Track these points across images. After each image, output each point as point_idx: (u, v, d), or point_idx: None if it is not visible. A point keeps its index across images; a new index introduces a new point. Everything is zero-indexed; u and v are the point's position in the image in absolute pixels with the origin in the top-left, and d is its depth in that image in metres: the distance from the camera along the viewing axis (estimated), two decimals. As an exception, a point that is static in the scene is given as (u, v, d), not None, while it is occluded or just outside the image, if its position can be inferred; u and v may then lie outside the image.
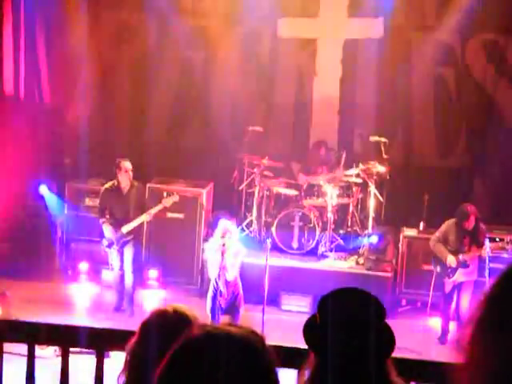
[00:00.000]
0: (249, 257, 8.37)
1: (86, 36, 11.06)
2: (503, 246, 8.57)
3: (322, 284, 8.52)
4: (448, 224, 8.56)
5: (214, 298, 7.62)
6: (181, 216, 10.10)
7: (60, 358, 4.11)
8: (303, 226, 10.06)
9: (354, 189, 10.38)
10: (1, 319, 6.84)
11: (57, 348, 6.41)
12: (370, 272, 9.63)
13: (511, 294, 1.27)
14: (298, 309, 9.33)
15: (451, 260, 8.42)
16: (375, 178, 10.15)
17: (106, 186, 9.25)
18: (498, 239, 8.74)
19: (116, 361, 3.19)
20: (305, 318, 2.55)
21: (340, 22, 11.02)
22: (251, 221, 10.37)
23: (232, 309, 7.69)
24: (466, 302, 8.36)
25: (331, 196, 10.05)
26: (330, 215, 10.08)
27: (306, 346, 2.42)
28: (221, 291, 7.60)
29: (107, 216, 9.05)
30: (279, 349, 1.75)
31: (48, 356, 6.52)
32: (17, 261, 9.86)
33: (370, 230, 10.16)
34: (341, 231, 10.38)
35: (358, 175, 10.26)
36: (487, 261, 8.06)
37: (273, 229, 10.04)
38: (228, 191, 10.85)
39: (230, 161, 10.91)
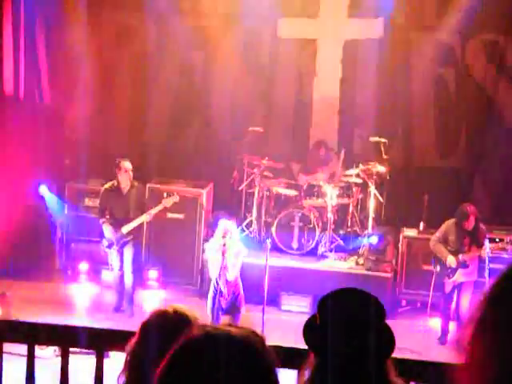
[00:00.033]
0: (249, 257, 8.37)
1: (86, 36, 11.06)
2: (503, 247, 8.57)
3: (321, 284, 8.52)
4: (448, 224, 8.57)
5: (215, 298, 7.63)
6: (181, 216, 10.10)
7: (60, 359, 4.11)
8: (303, 226, 10.06)
9: (354, 189, 10.38)
10: (1, 319, 6.84)
11: (56, 348, 6.41)
12: (370, 272, 9.63)
13: (511, 294, 1.27)
14: (297, 309, 9.33)
15: (451, 260, 8.42)
16: (375, 179, 10.15)
17: (106, 186, 9.25)
18: (497, 239, 8.74)
19: (116, 361, 3.19)
20: (305, 318, 2.55)
21: (340, 22, 11.02)
22: (251, 221, 10.37)
23: (233, 309, 7.69)
24: (466, 303, 8.36)
25: (331, 196, 10.05)
26: (330, 215, 10.08)
27: (305, 347, 2.42)
28: (221, 291, 7.60)
29: (107, 216, 9.05)
30: (279, 349, 1.75)
31: (48, 356, 6.52)
32: (17, 261, 9.86)
33: (369, 230, 10.16)
34: (341, 231, 10.38)
35: (357, 175, 10.27)
36: (487, 261, 8.06)
37: (273, 229, 10.04)
38: (228, 191, 10.86)
39: (229, 161, 10.92)
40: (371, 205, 10.18)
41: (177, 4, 11.12)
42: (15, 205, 9.81)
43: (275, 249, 9.62)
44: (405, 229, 9.94)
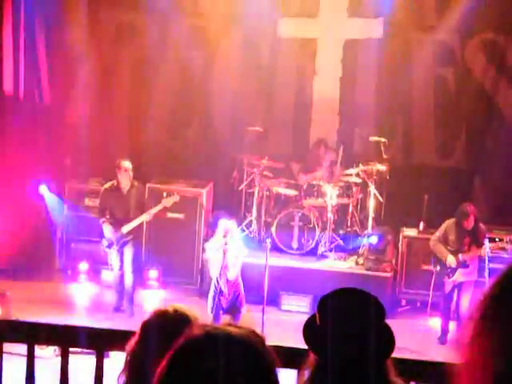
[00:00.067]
0: (249, 257, 8.37)
1: (86, 36, 11.06)
2: (503, 246, 8.57)
3: (321, 284, 8.53)
4: (448, 224, 8.57)
5: (215, 297, 7.63)
6: (181, 216, 10.10)
7: (60, 358, 4.11)
8: (303, 226, 10.06)
9: (354, 189, 10.38)
10: (1, 319, 6.84)
11: (56, 348, 6.40)
12: (370, 272, 9.63)
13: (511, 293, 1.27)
14: (297, 309, 9.33)
15: (451, 260, 8.43)
16: (375, 178, 10.15)
17: (106, 186, 9.26)
18: (497, 239, 8.74)
19: (116, 361, 3.19)
20: (304, 318, 2.55)
21: (340, 21, 11.02)
22: (251, 221, 10.37)
23: (233, 309, 7.70)
24: (466, 302, 8.36)
25: (331, 196, 10.05)
26: (330, 215, 10.08)
27: (305, 346, 2.42)
28: (222, 291, 7.60)
29: (107, 216, 9.05)
30: (279, 349, 1.74)
31: (48, 356, 6.52)
32: (17, 261, 9.85)
33: (369, 230, 10.16)
34: (340, 231, 10.38)
35: (357, 175, 10.27)
36: (487, 261, 8.06)
37: (272, 229, 10.04)
38: (228, 191, 10.86)
39: (229, 161, 10.92)
40: (371, 204, 10.18)
41: (177, 4, 11.11)
42: (15, 205, 9.81)
43: (275, 249, 9.62)
44: (405, 228, 9.94)
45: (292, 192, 10.41)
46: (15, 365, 4.56)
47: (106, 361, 3.96)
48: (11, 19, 10.07)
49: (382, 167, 10.08)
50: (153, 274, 10.01)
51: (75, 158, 10.69)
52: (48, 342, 4.43)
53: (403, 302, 9.79)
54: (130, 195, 9.05)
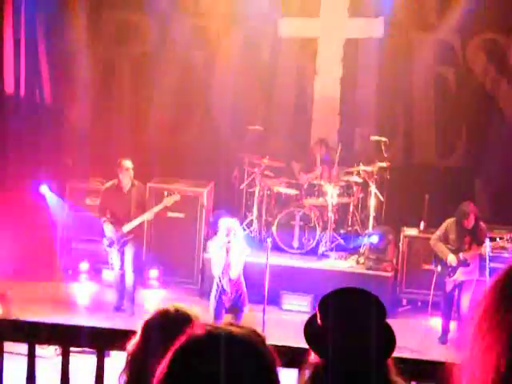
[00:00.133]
0: (249, 256, 8.36)
1: (86, 36, 11.07)
2: (503, 245, 8.56)
3: (322, 283, 8.54)
4: (448, 223, 8.58)
5: (218, 296, 7.63)
6: (181, 215, 10.10)
7: (60, 358, 4.11)
8: (304, 225, 10.07)
9: (355, 188, 10.39)
10: (1, 319, 6.85)
11: (57, 347, 6.41)
12: (371, 271, 9.63)
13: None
14: (298, 308, 9.33)
15: (452, 259, 8.43)
16: (375, 178, 10.16)
17: (107, 185, 9.27)
18: (498, 239, 8.74)
19: (116, 360, 3.20)
20: (305, 317, 2.55)
21: (340, 21, 11.02)
22: (252, 220, 10.38)
23: (235, 308, 7.68)
24: (467, 302, 8.36)
25: (332, 195, 10.05)
26: (331, 215, 10.08)
27: (306, 346, 2.42)
28: (224, 289, 7.60)
29: (108, 215, 9.05)
30: (280, 348, 1.75)
31: (49, 355, 6.52)
32: (17, 260, 9.85)
33: (370, 229, 10.17)
34: (341, 231, 10.38)
35: (358, 174, 10.28)
36: (487, 260, 8.06)
37: (273, 228, 10.04)
38: (229, 191, 10.86)
39: (230, 160, 10.92)
40: (372, 204, 10.19)
41: (177, 4, 11.13)
42: (16, 205, 9.82)
43: (276, 248, 9.62)
44: (405, 228, 9.94)
45: (293, 191, 10.42)
46: (16, 364, 4.56)
47: (106, 360, 3.97)
48: (12, 19, 10.07)
49: (383, 167, 10.09)
50: (153, 273, 10.01)
51: (76, 158, 10.70)
52: (49, 341, 4.42)
53: (404, 302, 9.80)
54: (130, 194, 9.05)
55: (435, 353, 7.85)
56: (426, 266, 9.26)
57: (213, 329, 1.56)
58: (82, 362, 5.41)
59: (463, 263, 8.42)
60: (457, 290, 8.55)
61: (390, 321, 2.47)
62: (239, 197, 10.76)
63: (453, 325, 8.56)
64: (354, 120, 11.25)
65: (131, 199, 9.03)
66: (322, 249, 10.06)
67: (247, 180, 10.53)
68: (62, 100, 11.06)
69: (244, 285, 7.76)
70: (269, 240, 8.20)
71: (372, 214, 10.20)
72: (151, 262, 10.08)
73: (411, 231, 9.88)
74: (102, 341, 3.97)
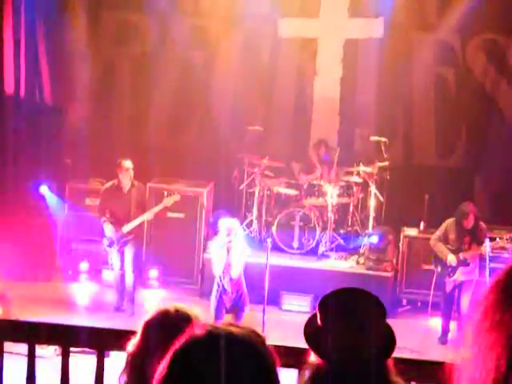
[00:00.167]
0: (249, 256, 8.36)
1: (86, 36, 11.08)
2: (503, 245, 8.56)
3: (322, 284, 8.53)
4: (448, 223, 8.58)
5: (218, 296, 7.62)
6: (181, 216, 10.11)
7: (60, 358, 4.12)
8: (304, 225, 10.06)
9: (355, 188, 10.39)
10: (1, 319, 6.85)
11: (57, 347, 6.41)
12: (371, 272, 9.63)
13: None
14: (298, 308, 9.32)
15: (451, 259, 8.43)
16: (375, 178, 10.16)
17: (107, 185, 9.28)
18: (498, 239, 8.74)
19: (116, 360, 3.20)
20: (305, 317, 2.55)
21: (340, 21, 11.02)
22: (251, 220, 10.38)
23: (236, 308, 7.68)
24: (467, 302, 8.36)
25: (331, 195, 10.05)
26: (331, 215, 10.08)
27: (306, 346, 2.42)
28: (225, 289, 7.59)
29: (108, 215, 9.05)
30: (280, 349, 1.75)
31: (48, 356, 6.52)
32: (17, 260, 9.85)
33: (370, 229, 10.17)
34: (341, 231, 10.38)
35: (358, 174, 10.28)
36: (487, 261, 8.06)
37: (273, 228, 10.04)
38: (228, 191, 10.86)
39: (230, 160, 10.92)
40: (372, 204, 10.19)
41: (177, 4, 11.13)
42: (16, 205, 9.81)
43: (276, 248, 9.62)
44: (405, 228, 9.94)
45: (292, 191, 10.42)
46: (16, 364, 4.56)
47: (106, 360, 3.97)
48: (11, 20, 10.07)
49: (383, 167, 10.09)
50: (153, 273, 10.01)
51: (76, 158, 10.69)
52: (49, 341, 4.43)
53: (404, 302, 9.80)
54: (130, 195, 9.06)
55: (435, 353, 7.84)
56: (426, 266, 9.26)
57: (213, 329, 1.56)
58: (82, 362, 5.41)
59: (463, 263, 8.42)
60: (457, 290, 8.55)
61: (389, 321, 2.47)
62: (239, 197, 10.76)
63: (453, 325, 8.56)
64: (353, 120, 11.25)
65: (131, 199, 9.03)
66: (321, 249, 10.06)
67: (247, 180, 10.53)
68: (62, 100, 11.06)
69: (244, 285, 7.75)
70: (269, 240, 8.20)
71: (372, 214, 10.20)
72: (151, 262, 10.08)
73: (411, 231, 9.88)
74: (101, 341, 3.97)
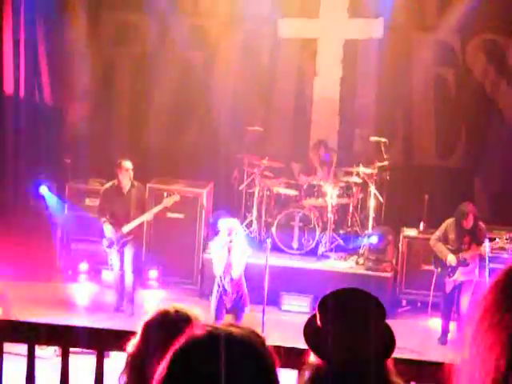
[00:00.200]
0: (249, 257, 8.36)
1: (86, 36, 11.07)
2: (503, 246, 8.57)
3: (322, 284, 8.53)
4: (448, 223, 8.59)
5: (219, 296, 7.62)
6: (181, 216, 10.10)
7: (60, 358, 4.11)
8: (303, 226, 10.06)
9: (354, 189, 10.39)
10: (1, 319, 6.84)
11: (57, 348, 6.41)
12: (370, 272, 9.63)
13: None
14: (298, 309, 9.32)
15: (451, 259, 8.43)
16: (375, 178, 10.16)
17: (107, 185, 9.28)
18: (497, 239, 8.74)
19: (116, 361, 3.20)
20: (305, 318, 2.55)
21: (340, 22, 11.01)
22: (251, 221, 10.38)
23: (236, 308, 7.68)
24: (467, 302, 8.36)
25: (331, 196, 10.05)
26: (330, 215, 10.08)
27: (306, 347, 2.42)
28: (225, 289, 7.59)
29: (107, 216, 9.05)
30: (279, 349, 1.75)
31: (48, 356, 6.52)
32: (17, 261, 9.85)
33: (370, 230, 10.17)
34: (341, 231, 10.38)
35: (358, 175, 10.28)
36: (487, 261, 8.06)
37: (273, 229, 10.04)
38: (228, 191, 10.85)
39: (230, 161, 10.91)
40: (371, 204, 10.19)
41: (177, 4, 11.13)
42: (15, 205, 9.82)
43: (275, 249, 9.61)
44: (405, 228, 9.94)
45: (292, 192, 10.41)
46: (15, 365, 4.56)
47: (106, 361, 3.97)
48: (11, 20, 10.08)
49: (383, 167, 10.09)
50: (153, 273, 10.01)
51: (76, 158, 10.69)
52: (48, 342, 4.43)
53: (403, 302, 9.79)
54: (130, 195, 9.06)
55: (435, 353, 7.84)
56: (426, 267, 9.26)
57: (213, 329, 1.56)
58: (82, 363, 5.41)
59: (463, 263, 8.42)
60: (456, 291, 8.55)
61: (389, 321, 2.47)
62: (239, 197, 10.76)
63: (452, 325, 8.56)
64: (353, 121, 11.25)
65: (131, 200, 9.03)
66: (321, 249, 10.06)
67: (247, 181, 10.52)
68: (62, 100, 11.06)
69: (245, 285, 7.75)
70: (268, 241, 8.20)
71: (371, 214, 10.20)
72: (151, 263, 10.07)
73: (411, 232, 9.88)
74: (101, 341, 3.97)
